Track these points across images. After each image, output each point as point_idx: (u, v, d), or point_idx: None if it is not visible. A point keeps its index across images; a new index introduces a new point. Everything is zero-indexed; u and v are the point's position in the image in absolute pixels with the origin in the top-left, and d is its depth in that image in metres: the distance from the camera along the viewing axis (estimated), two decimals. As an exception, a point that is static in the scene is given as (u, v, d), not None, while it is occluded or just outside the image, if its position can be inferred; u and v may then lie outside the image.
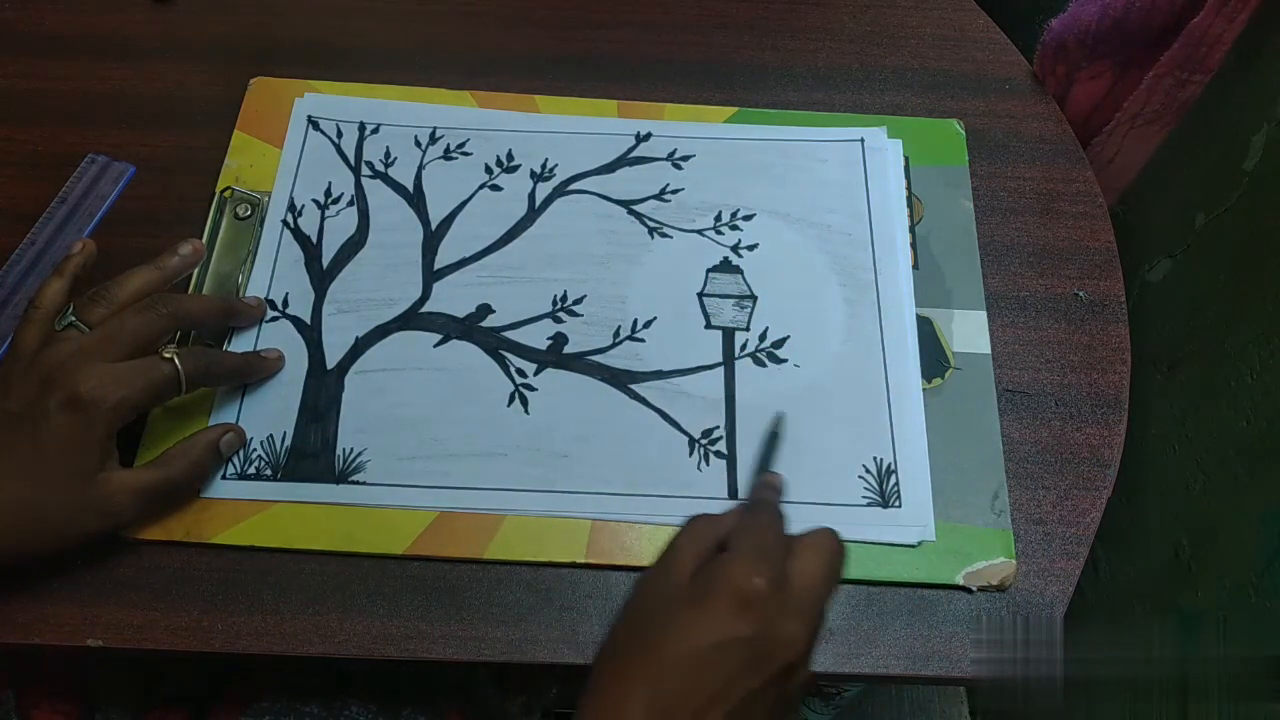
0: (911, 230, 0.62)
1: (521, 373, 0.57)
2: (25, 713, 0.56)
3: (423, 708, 0.58)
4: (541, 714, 0.69)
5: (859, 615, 0.51)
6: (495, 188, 0.63)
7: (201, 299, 0.56)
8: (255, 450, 0.54)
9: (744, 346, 0.58)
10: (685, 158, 0.64)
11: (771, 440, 0.55)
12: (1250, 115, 0.57)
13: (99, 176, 0.62)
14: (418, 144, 0.64)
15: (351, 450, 0.54)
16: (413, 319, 0.58)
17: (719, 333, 0.58)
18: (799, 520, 0.53)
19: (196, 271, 0.58)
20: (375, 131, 0.65)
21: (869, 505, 0.53)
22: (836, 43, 0.71)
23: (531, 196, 0.63)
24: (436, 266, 0.60)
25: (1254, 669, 0.52)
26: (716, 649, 0.39)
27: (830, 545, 0.44)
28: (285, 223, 0.61)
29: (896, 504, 0.53)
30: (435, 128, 0.65)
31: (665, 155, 0.64)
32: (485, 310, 0.59)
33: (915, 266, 0.61)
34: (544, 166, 0.64)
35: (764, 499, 0.49)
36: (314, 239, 0.61)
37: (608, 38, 0.70)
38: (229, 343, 0.57)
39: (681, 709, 0.39)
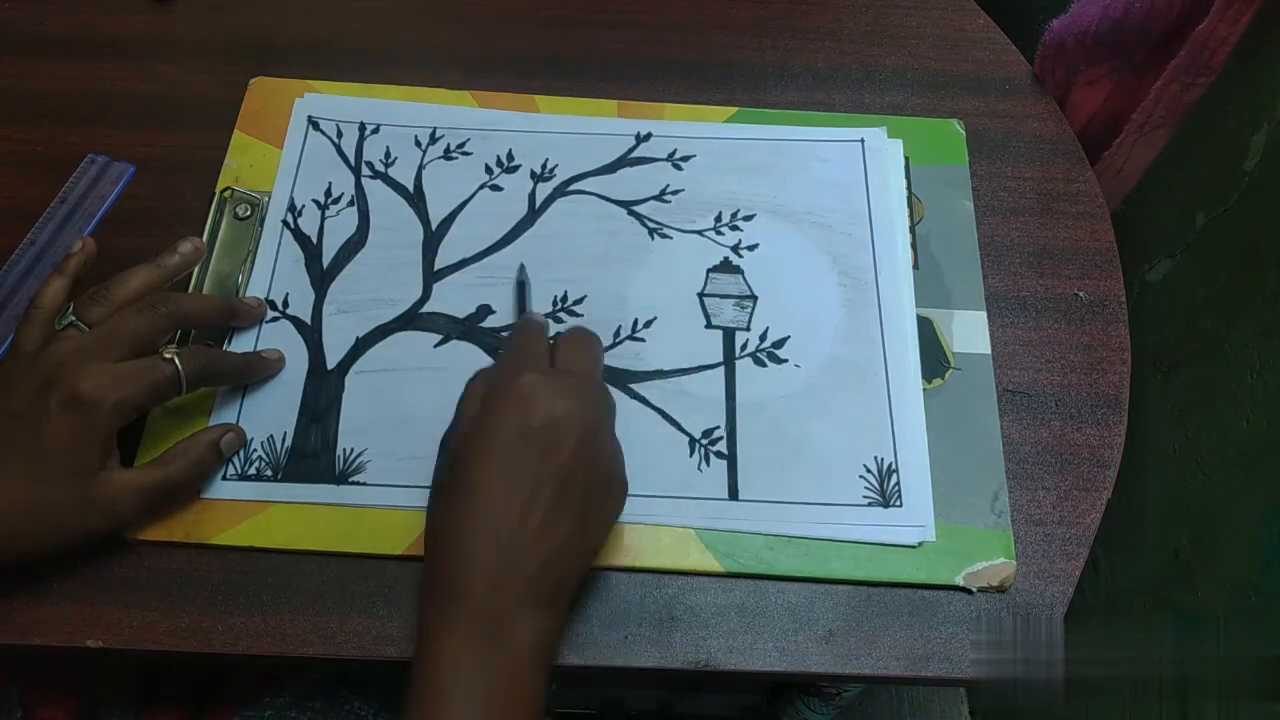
0: (911, 230, 0.62)
1: (522, 373, 0.57)
2: (29, 710, 0.56)
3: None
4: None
5: (859, 615, 0.51)
6: (495, 188, 0.63)
7: (202, 299, 0.56)
8: (255, 450, 0.54)
9: (744, 346, 0.58)
10: (685, 158, 0.64)
11: (519, 289, 0.58)
12: (1250, 115, 0.57)
13: (99, 176, 0.62)
14: (418, 144, 0.64)
15: (351, 450, 0.54)
16: (413, 319, 0.58)
17: (719, 332, 0.58)
18: (802, 522, 0.53)
19: (196, 271, 0.58)
20: (375, 131, 0.65)
21: (870, 505, 0.53)
22: (836, 43, 0.71)
23: (532, 197, 0.63)
24: (437, 267, 0.60)
25: (1254, 669, 0.52)
26: (514, 449, 0.43)
27: (584, 332, 0.49)
28: (285, 223, 0.61)
29: (898, 503, 0.54)
30: (435, 128, 0.65)
31: (665, 155, 0.64)
32: (485, 311, 0.59)
33: (915, 266, 0.61)
34: (544, 167, 0.64)
35: (525, 321, 0.52)
36: (314, 239, 0.61)
37: (608, 38, 0.70)
38: (229, 343, 0.57)
39: (511, 522, 0.42)
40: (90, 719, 0.58)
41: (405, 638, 0.50)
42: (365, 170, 0.63)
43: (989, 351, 0.59)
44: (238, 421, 0.54)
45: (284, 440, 0.54)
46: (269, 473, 0.53)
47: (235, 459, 0.53)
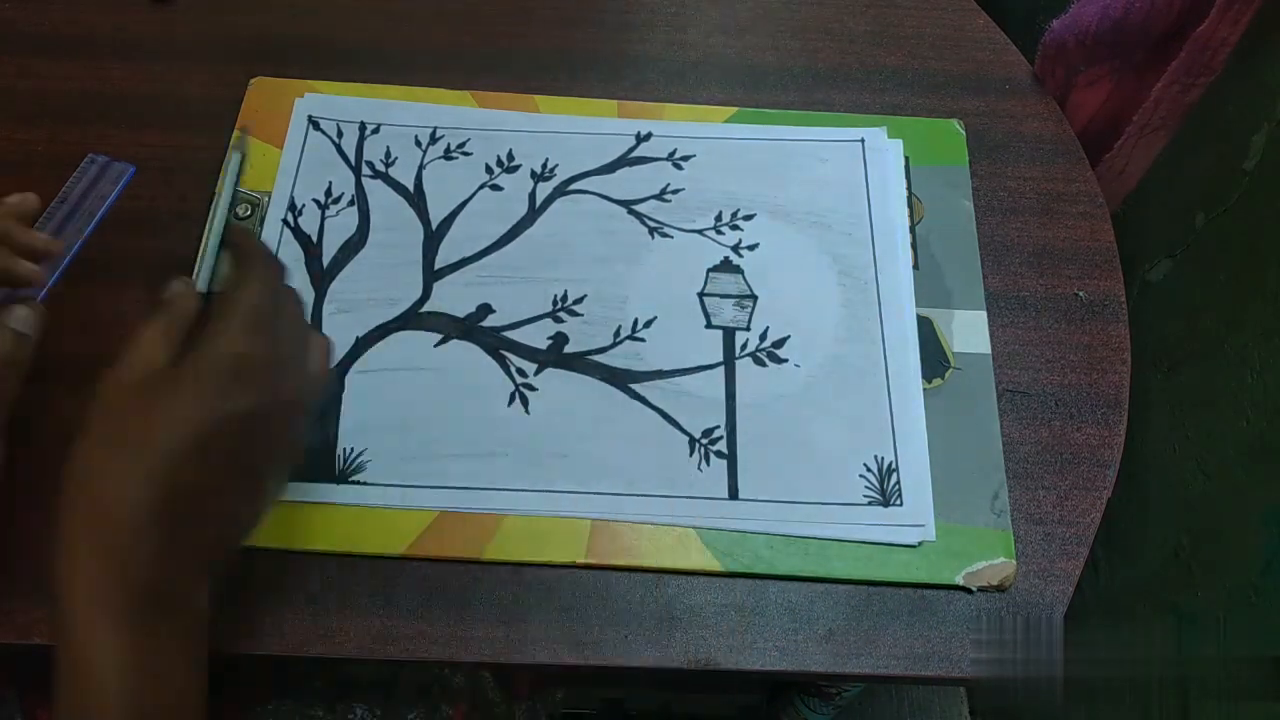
0: (911, 230, 0.62)
1: (522, 372, 0.57)
2: (29, 712, 0.56)
3: (426, 711, 0.58)
4: (547, 718, 0.69)
5: (859, 615, 0.51)
6: (496, 188, 0.63)
7: None
8: (255, 450, 0.54)
9: (744, 346, 0.58)
10: (685, 158, 0.64)
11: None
12: (1250, 115, 0.57)
13: (99, 176, 0.62)
14: (418, 144, 0.64)
15: (352, 450, 0.54)
16: (413, 319, 0.58)
17: (719, 332, 0.58)
18: (802, 521, 0.53)
19: (198, 269, 0.58)
20: (376, 131, 0.65)
21: (870, 504, 0.53)
22: (836, 43, 0.71)
23: (532, 196, 0.63)
24: (437, 266, 0.60)
25: (1254, 669, 0.52)
26: (219, 425, 0.37)
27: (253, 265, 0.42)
28: (285, 222, 0.61)
29: (898, 502, 0.54)
30: (435, 128, 0.65)
31: (665, 155, 0.64)
32: (485, 310, 0.59)
33: (915, 266, 0.61)
34: (544, 166, 0.64)
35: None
36: (314, 239, 0.61)
37: (608, 38, 0.70)
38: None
39: (190, 496, 0.37)
40: None
41: (405, 637, 0.50)
42: (365, 170, 0.63)
43: (989, 351, 0.59)
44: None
45: (284, 440, 0.54)
46: (269, 472, 0.53)
47: (235, 459, 0.53)
